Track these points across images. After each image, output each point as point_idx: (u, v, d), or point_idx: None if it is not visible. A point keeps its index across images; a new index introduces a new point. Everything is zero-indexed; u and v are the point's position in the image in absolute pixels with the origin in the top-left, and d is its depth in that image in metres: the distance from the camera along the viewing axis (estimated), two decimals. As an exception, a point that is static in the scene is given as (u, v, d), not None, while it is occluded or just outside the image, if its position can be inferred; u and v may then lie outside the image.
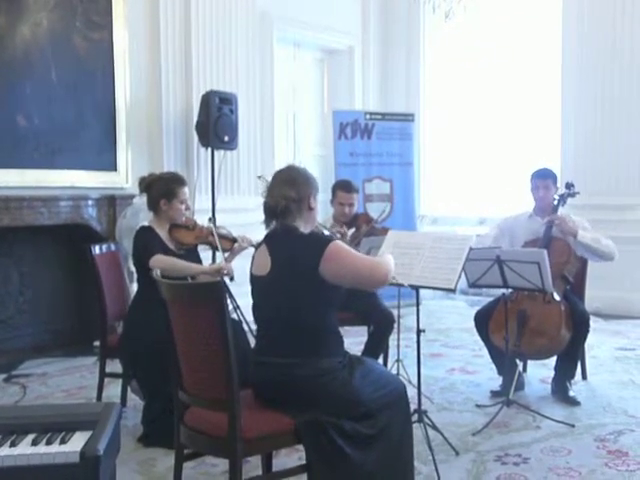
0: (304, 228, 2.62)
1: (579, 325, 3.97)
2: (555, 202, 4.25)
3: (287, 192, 2.57)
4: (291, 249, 2.54)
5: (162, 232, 3.67)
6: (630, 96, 6.50)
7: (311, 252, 2.48)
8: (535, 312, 3.96)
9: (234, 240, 3.85)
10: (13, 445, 1.82)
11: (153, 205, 3.70)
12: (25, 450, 1.79)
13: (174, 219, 3.70)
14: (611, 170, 6.61)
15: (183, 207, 3.70)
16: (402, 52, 8.29)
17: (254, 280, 2.65)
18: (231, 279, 3.74)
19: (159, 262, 3.44)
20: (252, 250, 3.89)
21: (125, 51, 5.58)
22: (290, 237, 2.58)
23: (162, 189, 3.65)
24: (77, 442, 1.82)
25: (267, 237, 2.65)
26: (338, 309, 2.66)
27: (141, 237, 3.62)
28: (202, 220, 3.98)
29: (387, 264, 2.59)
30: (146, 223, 3.73)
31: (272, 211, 2.59)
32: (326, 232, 3.17)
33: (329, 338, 2.57)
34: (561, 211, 4.25)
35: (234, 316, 4.94)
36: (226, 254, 3.84)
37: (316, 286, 2.48)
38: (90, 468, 1.74)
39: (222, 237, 3.84)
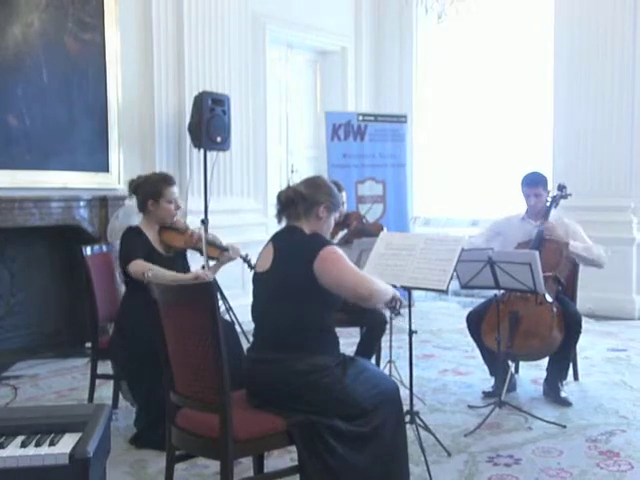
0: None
1: (571, 326, 3.98)
2: (547, 204, 4.26)
3: (300, 188, 2.68)
4: (291, 246, 2.61)
5: (151, 233, 3.64)
6: (620, 99, 6.53)
7: (308, 251, 2.54)
8: (527, 313, 3.97)
9: (224, 249, 3.80)
10: (2, 447, 1.80)
11: (142, 206, 3.67)
12: (14, 452, 1.78)
13: (163, 219, 3.67)
14: (601, 172, 6.64)
15: (172, 207, 3.66)
16: (395, 53, 8.29)
17: (256, 277, 2.70)
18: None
19: (136, 267, 3.41)
20: (239, 261, 3.92)
21: (117, 52, 5.56)
22: (293, 236, 2.65)
23: (149, 190, 3.62)
24: (66, 444, 1.81)
25: (274, 236, 2.71)
26: (334, 310, 2.67)
27: (125, 239, 3.59)
28: (195, 221, 3.97)
29: (378, 287, 2.59)
30: (135, 224, 3.71)
31: (279, 200, 2.69)
32: None
33: (324, 336, 2.60)
34: (553, 212, 4.26)
35: (226, 317, 4.93)
36: (213, 262, 3.80)
37: (311, 285, 2.51)
38: (79, 470, 1.73)
39: (211, 245, 3.79)
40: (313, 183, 2.73)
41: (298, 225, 2.66)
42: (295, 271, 2.53)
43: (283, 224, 2.74)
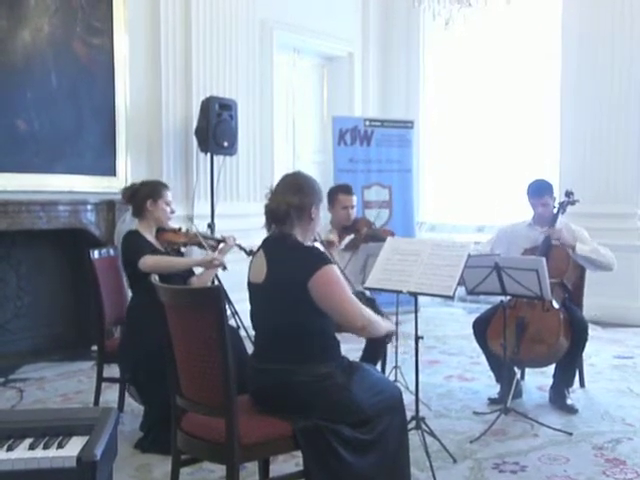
0: (301, 237, 2.61)
1: (578, 333, 3.97)
2: (555, 210, 4.24)
3: (290, 198, 2.56)
4: (287, 259, 2.54)
5: (149, 236, 3.72)
6: (628, 105, 6.52)
7: (304, 267, 2.48)
8: (534, 320, 3.96)
9: (220, 241, 3.98)
10: (10, 449, 1.81)
11: (139, 209, 3.74)
12: (22, 454, 1.78)
13: (160, 221, 3.76)
14: (608, 179, 6.63)
15: (168, 210, 3.77)
16: (402, 59, 8.31)
17: (251, 287, 2.65)
18: (224, 268, 3.85)
19: (149, 261, 3.49)
20: (237, 251, 4.00)
21: (125, 56, 5.59)
22: (287, 246, 2.57)
23: (149, 191, 3.73)
24: (74, 447, 1.81)
25: (264, 243, 2.65)
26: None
27: (128, 241, 3.66)
28: (202, 225, 4.02)
29: (374, 322, 2.58)
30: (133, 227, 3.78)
31: (272, 215, 2.59)
32: (317, 243, 3.10)
33: (325, 343, 2.58)
34: (561, 219, 4.25)
35: (232, 322, 4.94)
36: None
37: (306, 299, 2.47)
38: (87, 473, 1.73)
39: (208, 239, 4.01)
40: (299, 187, 2.59)
41: (290, 231, 2.58)
42: (291, 282, 2.48)
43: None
